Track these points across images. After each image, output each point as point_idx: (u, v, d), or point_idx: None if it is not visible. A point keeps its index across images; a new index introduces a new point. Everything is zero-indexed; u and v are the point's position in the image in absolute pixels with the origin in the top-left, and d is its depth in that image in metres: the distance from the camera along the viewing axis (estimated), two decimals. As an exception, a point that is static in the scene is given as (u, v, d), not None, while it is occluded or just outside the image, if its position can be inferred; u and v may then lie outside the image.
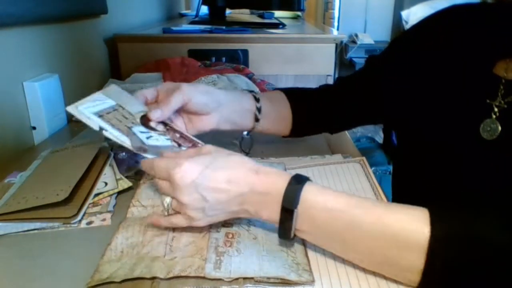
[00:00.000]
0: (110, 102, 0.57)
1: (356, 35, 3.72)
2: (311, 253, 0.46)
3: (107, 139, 0.69)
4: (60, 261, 0.45)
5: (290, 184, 0.43)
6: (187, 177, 0.43)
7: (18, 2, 0.76)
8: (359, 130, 2.63)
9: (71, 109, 0.52)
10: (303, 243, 0.47)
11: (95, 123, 0.51)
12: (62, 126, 0.90)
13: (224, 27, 1.40)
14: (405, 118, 0.62)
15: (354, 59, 3.58)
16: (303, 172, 0.64)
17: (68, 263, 0.45)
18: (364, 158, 0.68)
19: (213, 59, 1.23)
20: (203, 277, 0.41)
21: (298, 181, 0.43)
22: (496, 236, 0.38)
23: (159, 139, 0.54)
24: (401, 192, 0.68)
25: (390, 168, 1.58)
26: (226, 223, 0.49)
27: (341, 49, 3.71)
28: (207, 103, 0.60)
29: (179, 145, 0.56)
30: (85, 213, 0.53)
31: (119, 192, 0.58)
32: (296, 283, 0.41)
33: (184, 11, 2.33)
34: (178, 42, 1.24)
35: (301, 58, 1.26)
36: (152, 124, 0.56)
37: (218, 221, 0.47)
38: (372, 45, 3.62)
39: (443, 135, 0.56)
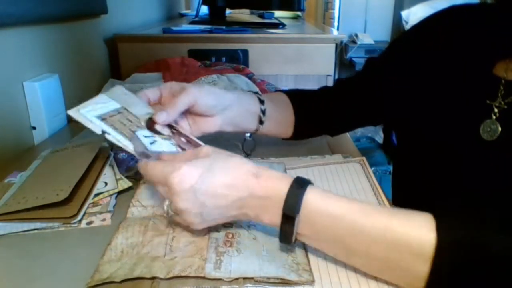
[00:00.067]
0: (115, 105, 0.55)
1: (356, 35, 3.72)
2: (311, 253, 0.46)
3: (108, 141, 0.69)
4: (60, 261, 0.45)
5: (291, 188, 0.42)
6: (185, 182, 0.42)
7: (18, 2, 0.76)
8: (359, 130, 2.63)
9: (72, 112, 0.50)
10: (303, 243, 0.47)
11: (97, 126, 0.50)
12: (62, 126, 0.90)
13: (224, 27, 1.40)
14: (405, 118, 0.62)
15: (354, 59, 3.58)
16: (303, 172, 0.65)
17: (68, 263, 0.45)
18: (364, 158, 0.68)
19: (213, 59, 1.23)
20: (203, 277, 0.41)
21: (299, 185, 0.42)
22: (502, 242, 0.37)
23: (163, 144, 0.52)
24: (401, 192, 0.68)
25: (390, 168, 1.58)
26: (226, 223, 0.49)
27: (341, 49, 3.71)
28: (214, 105, 0.58)
29: (184, 150, 0.54)
30: (85, 213, 0.53)
31: (119, 192, 0.58)
32: (296, 283, 0.41)
33: (184, 11, 2.33)
34: (178, 42, 1.24)
35: (301, 58, 1.26)
36: (158, 127, 0.54)
37: (216, 224, 0.47)
38: (372, 45, 3.62)
39: (443, 136, 0.56)
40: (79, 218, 0.52)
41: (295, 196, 0.41)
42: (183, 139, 0.55)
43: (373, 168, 0.89)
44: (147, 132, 0.53)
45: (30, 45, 0.82)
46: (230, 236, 0.48)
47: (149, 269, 0.42)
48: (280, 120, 0.68)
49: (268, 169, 0.45)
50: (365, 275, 0.43)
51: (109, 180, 0.60)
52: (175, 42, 1.25)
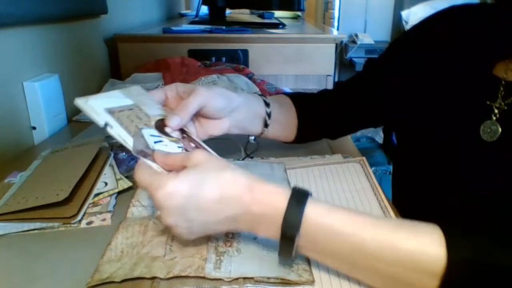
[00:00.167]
0: (127, 101, 0.52)
1: (356, 35, 3.72)
2: (311, 253, 0.45)
3: (108, 138, 0.68)
4: (60, 261, 0.45)
5: (290, 204, 0.40)
6: (172, 200, 0.40)
7: (18, 2, 0.75)
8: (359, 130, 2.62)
9: (80, 101, 0.48)
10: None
11: (101, 118, 0.47)
12: (62, 126, 0.90)
13: (224, 27, 1.40)
14: (405, 118, 0.62)
15: (354, 59, 3.58)
16: (303, 172, 0.65)
17: (68, 263, 0.45)
18: (364, 158, 0.68)
19: (213, 59, 1.23)
20: (203, 277, 0.41)
21: (298, 200, 0.40)
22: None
23: (168, 146, 0.49)
24: (401, 192, 0.68)
25: (390, 168, 1.58)
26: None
27: (341, 49, 3.71)
28: (223, 107, 0.56)
29: None
30: (85, 213, 0.53)
31: (119, 192, 0.58)
32: (296, 283, 0.41)
33: (184, 11, 2.33)
34: (178, 42, 1.24)
35: (301, 58, 1.26)
36: (168, 129, 0.51)
37: (207, 235, 0.46)
38: (372, 45, 3.62)
39: (443, 136, 0.56)
40: (79, 218, 0.52)
41: (294, 213, 0.39)
42: (192, 145, 0.52)
43: (373, 168, 0.89)
44: (154, 132, 0.50)
45: (30, 45, 0.82)
46: (230, 236, 0.48)
47: (149, 269, 0.42)
48: (284, 123, 0.67)
49: (264, 182, 0.42)
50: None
51: (109, 180, 0.60)
52: (175, 42, 1.25)
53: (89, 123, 0.89)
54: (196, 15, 1.77)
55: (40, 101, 0.81)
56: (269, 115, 0.63)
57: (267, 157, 0.71)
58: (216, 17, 1.70)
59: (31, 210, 0.51)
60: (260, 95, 0.65)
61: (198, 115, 0.56)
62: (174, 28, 1.34)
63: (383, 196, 0.57)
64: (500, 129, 0.51)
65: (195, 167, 0.42)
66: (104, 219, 0.53)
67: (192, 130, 0.56)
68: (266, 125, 0.63)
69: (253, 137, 0.67)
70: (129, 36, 1.26)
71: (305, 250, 0.41)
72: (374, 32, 3.79)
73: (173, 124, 0.51)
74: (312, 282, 0.41)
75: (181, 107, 0.52)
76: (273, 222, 0.40)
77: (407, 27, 3.38)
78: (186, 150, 0.50)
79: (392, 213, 0.52)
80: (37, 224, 0.51)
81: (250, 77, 1.09)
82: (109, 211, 0.54)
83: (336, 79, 3.63)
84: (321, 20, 3.90)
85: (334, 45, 1.27)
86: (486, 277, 0.37)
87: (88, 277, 0.41)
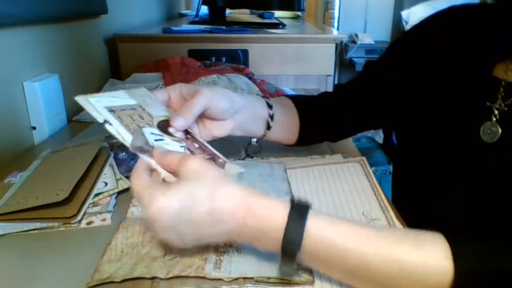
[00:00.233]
0: (131, 101, 0.52)
1: (356, 35, 3.72)
2: (311, 253, 0.45)
3: (108, 138, 0.68)
4: (60, 261, 0.45)
5: (290, 220, 0.38)
6: (163, 215, 0.39)
7: (18, 2, 0.76)
8: (359, 130, 2.62)
9: (80, 99, 0.47)
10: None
11: (101, 115, 0.46)
12: (62, 126, 0.90)
13: (224, 27, 1.40)
14: (405, 119, 0.62)
15: (354, 59, 3.58)
16: (303, 172, 0.65)
17: (68, 263, 0.45)
18: (364, 158, 0.68)
19: (213, 59, 1.23)
20: (203, 277, 0.41)
21: (298, 214, 0.39)
22: None
23: (170, 145, 0.48)
24: (401, 192, 0.68)
25: (390, 168, 1.58)
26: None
27: (341, 49, 3.71)
28: (227, 109, 0.56)
29: (191, 153, 0.49)
30: (85, 213, 0.53)
31: (119, 192, 0.58)
32: (296, 283, 0.41)
33: (184, 11, 2.33)
34: (178, 42, 1.24)
35: (301, 58, 1.26)
36: (171, 130, 0.51)
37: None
38: (372, 45, 3.62)
39: (443, 137, 0.56)
40: (79, 218, 0.52)
41: (295, 229, 0.38)
42: (196, 145, 0.52)
43: (373, 168, 0.89)
44: (156, 131, 0.50)
45: (30, 45, 0.82)
46: (230, 236, 0.48)
47: (149, 269, 0.42)
48: (287, 125, 0.67)
49: (261, 196, 0.40)
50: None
51: (109, 180, 0.60)
52: (175, 42, 1.25)
53: (89, 123, 0.89)
54: (196, 15, 1.77)
55: (40, 101, 0.81)
56: (271, 117, 0.62)
57: (267, 157, 0.71)
58: (216, 17, 1.70)
59: (31, 210, 0.51)
60: (262, 97, 0.65)
61: (201, 116, 0.56)
62: (174, 28, 1.34)
63: (383, 196, 0.57)
64: (500, 130, 0.50)
65: (187, 180, 0.40)
66: (104, 219, 0.53)
67: (195, 131, 0.55)
68: (268, 127, 0.63)
69: (255, 139, 0.67)
70: (129, 36, 1.26)
71: (307, 262, 0.40)
72: (374, 32, 3.79)
73: (178, 125, 0.50)
74: (312, 282, 0.41)
75: (185, 108, 0.52)
76: (273, 237, 0.39)
77: (407, 27, 3.38)
78: (189, 150, 0.49)
79: (392, 213, 0.52)
80: (37, 224, 0.51)
81: (250, 77, 1.09)
82: (109, 211, 0.54)
83: (336, 79, 3.63)
84: (321, 20, 3.90)
85: (334, 45, 1.27)
86: (493, 286, 0.37)
87: (88, 277, 0.41)
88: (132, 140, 0.46)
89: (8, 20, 0.74)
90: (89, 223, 0.52)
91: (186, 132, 0.53)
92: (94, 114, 0.46)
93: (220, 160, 0.50)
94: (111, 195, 0.57)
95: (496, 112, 0.51)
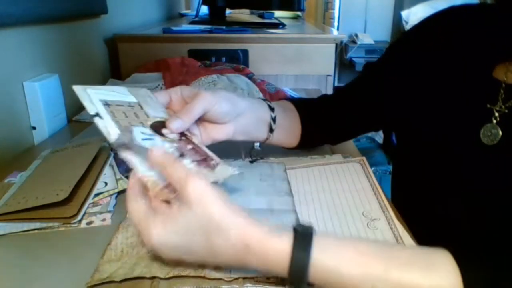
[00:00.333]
0: (130, 98, 0.51)
1: (356, 35, 3.72)
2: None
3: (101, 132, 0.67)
4: (60, 261, 0.45)
5: (294, 251, 0.37)
6: (160, 248, 0.39)
7: (18, 2, 0.76)
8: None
9: (77, 88, 0.46)
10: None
11: (93, 107, 0.45)
12: (62, 126, 0.90)
13: (224, 27, 1.40)
14: (405, 119, 0.62)
15: (354, 59, 3.58)
16: (303, 172, 0.65)
17: (68, 263, 0.45)
18: (364, 158, 0.68)
19: (213, 59, 1.23)
20: (203, 277, 0.41)
21: (303, 244, 0.37)
22: None
23: (158, 145, 0.47)
24: (401, 192, 0.68)
25: (390, 168, 1.58)
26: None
27: (341, 49, 3.71)
28: (228, 112, 0.55)
29: (182, 155, 0.48)
30: (85, 213, 0.53)
31: (119, 192, 0.58)
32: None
33: (184, 11, 2.33)
34: (178, 42, 1.24)
35: (301, 58, 1.26)
36: (165, 131, 0.49)
37: None
38: (372, 45, 3.62)
39: (443, 138, 0.56)
40: (79, 218, 0.52)
41: (300, 261, 0.37)
42: (190, 146, 0.50)
43: (373, 168, 0.89)
44: (147, 131, 0.48)
45: (30, 45, 0.82)
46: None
47: (149, 269, 0.42)
48: (289, 129, 0.66)
49: (262, 233, 0.38)
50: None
51: (109, 180, 0.60)
52: (175, 42, 1.25)
53: (89, 123, 0.89)
54: (196, 15, 1.77)
55: (40, 101, 0.81)
56: (274, 120, 0.62)
57: (267, 157, 0.70)
58: (216, 17, 1.70)
59: (31, 210, 0.51)
60: (263, 100, 0.64)
61: (202, 119, 0.55)
62: (174, 28, 1.34)
63: (383, 196, 0.57)
64: (500, 133, 0.50)
65: (187, 210, 0.38)
66: (104, 219, 0.53)
67: (196, 133, 0.54)
68: (271, 130, 0.62)
69: (258, 144, 0.66)
70: (129, 36, 1.26)
71: (316, 283, 0.39)
72: (374, 32, 3.79)
73: (174, 126, 0.49)
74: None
75: (184, 110, 0.51)
76: (278, 268, 0.38)
77: (407, 27, 3.38)
78: (181, 152, 0.48)
79: (392, 213, 0.52)
80: (37, 224, 0.51)
81: (250, 77, 1.09)
82: (109, 211, 0.54)
83: (336, 79, 3.63)
84: (321, 20, 3.90)
85: (334, 45, 1.27)
86: None
87: (88, 277, 0.41)
88: (118, 136, 0.44)
89: (8, 20, 0.74)
90: (89, 223, 0.52)
91: (181, 134, 0.51)
92: (87, 104, 0.45)
93: (213, 161, 0.49)
94: (111, 195, 0.57)
95: (496, 114, 0.51)
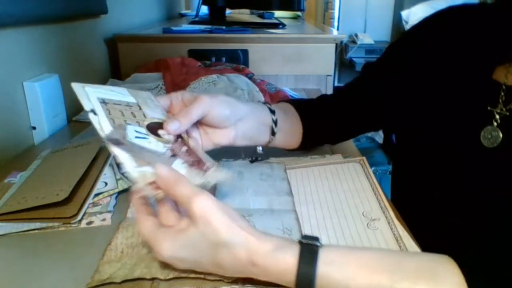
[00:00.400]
0: (129, 99, 0.50)
1: (356, 35, 3.72)
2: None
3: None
4: (60, 261, 0.45)
5: (300, 265, 0.37)
6: (170, 262, 0.40)
7: (18, 2, 0.75)
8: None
9: (76, 85, 0.46)
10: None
11: (89, 104, 0.45)
12: (62, 126, 0.90)
13: (224, 27, 1.40)
14: (405, 120, 0.61)
15: (354, 59, 3.58)
16: (303, 172, 0.65)
17: (68, 263, 0.45)
18: (364, 158, 0.68)
19: (213, 59, 1.23)
20: (203, 278, 0.41)
21: (308, 257, 0.37)
22: None
23: (152, 144, 0.47)
24: (401, 192, 0.68)
25: (390, 168, 1.58)
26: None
27: (341, 49, 3.71)
28: (228, 116, 0.54)
29: (174, 156, 0.47)
30: (85, 213, 0.53)
31: (119, 192, 0.58)
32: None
33: (184, 11, 2.33)
34: (178, 42, 1.24)
35: (301, 58, 1.26)
36: (161, 132, 0.49)
37: None
38: (372, 45, 3.62)
39: (443, 139, 0.55)
40: (79, 218, 0.52)
41: (306, 276, 0.37)
42: (184, 149, 0.50)
43: (373, 168, 0.89)
44: (142, 130, 0.48)
45: (30, 45, 0.82)
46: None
47: (149, 270, 0.42)
48: (290, 130, 0.66)
49: (268, 241, 0.39)
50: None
51: (109, 180, 0.60)
52: (175, 42, 1.25)
53: (89, 123, 0.88)
54: (196, 15, 1.77)
55: (40, 101, 0.81)
56: (275, 122, 0.61)
57: (266, 157, 0.70)
58: (216, 17, 1.70)
59: (31, 210, 0.51)
60: (264, 103, 0.64)
61: (202, 123, 0.55)
62: (174, 28, 1.34)
63: (383, 195, 0.57)
64: (501, 135, 0.50)
65: (192, 230, 0.39)
66: (104, 219, 0.53)
67: (195, 137, 0.54)
68: (273, 133, 0.62)
69: (260, 148, 0.65)
70: (129, 36, 1.26)
71: None
72: (374, 32, 3.80)
73: (172, 128, 0.49)
74: (312, 282, 0.41)
75: (183, 113, 0.51)
76: (284, 281, 0.38)
77: (407, 27, 3.38)
78: (173, 152, 0.48)
79: (392, 213, 0.52)
80: (37, 224, 0.51)
81: (250, 77, 1.09)
82: (109, 211, 0.54)
83: (336, 79, 3.63)
84: (321, 20, 3.90)
85: (334, 45, 1.27)
86: None
87: (88, 277, 0.41)
88: (111, 132, 0.44)
89: (8, 20, 0.74)
90: (89, 223, 0.52)
91: (178, 136, 0.51)
92: (84, 101, 0.45)
93: (206, 166, 0.48)
94: (111, 195, 0.57)
95: (497, 116, 0.51)
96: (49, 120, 0.84)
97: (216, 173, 0.47)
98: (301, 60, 1.26)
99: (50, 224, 0.51)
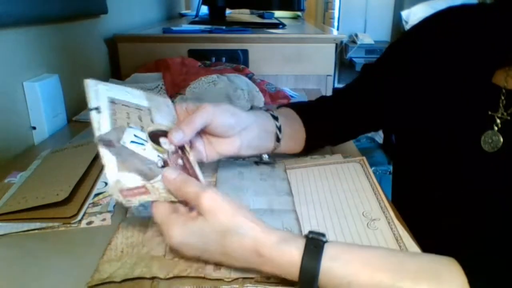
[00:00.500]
0: (142, 102, 0.50)
1: (356, 35, 3.72)
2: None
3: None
4: (60, 261, 0.45)
5: (305, 258, 0.38)
6: (178, 248, 0.42)
7: (18, 2, 0.76)
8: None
9: (90, 82, 0.46)
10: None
11: (95, 101, 0.44)
12: (62, 126, 0.90)
13: (224, 27, 1.40)
14: (405, 121, 0.61)
15: (354, 59, 3.58)
16: (303, 172, 0.65)
17: (68, 263, 0.45)
18: (364, 158, 0.68)
19: (213, 59, 1.23)
20: (203, 277, 0.41)
21: (313, 252, 0.38)
22: None
23: (147, 150, 0.46)
24: (401, 192, 0.68)
25: (390, 168, 1.58)
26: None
27: (341, 49, 3.71)
28: (232, 125, 0.54)
29: (164, 166, 0.46)
30: (85, 213, 0.53)
31: (119, 192, 0.58)
32: (296, 283, 0.41)
33: (184, 11, 2.33)
34: (178, 42, 1.24)
35: (301, 58, 1.26)
36: (162, 140, 0.48)
37: None
38: (372, 45, 3.62)
39: (443, 140, 0.55)
40: (79, 218, 0.52)
41: (310, 270, 0.37)
42: (180, 162, 0.48)
43: (373, 168, 0.89)
44: (142, 135, 0.47)
45: (30, 45, 0.82)
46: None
47: (149, 269, 0.42)
48: (294, 135, 0.66)
49: (274, 233, 0.40)
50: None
51: (109, 180, 0.60)
52: (175, 42, 1.25)
53: (89, 123, 0.88)
54: (196, 15, 1.77)
55: (40, 101, 0.81)
56: (279, 129, 0.61)
57: (274, 161, 0.70)
58: (216, 17, 1.70)
59: (31, 210, 0.51)
60: (266, 110, 0.63)
61: (206, 133, 0.54)
62: (174, 28, 1.34)
63: (383, 195, 0.57)
64: (502, 140, 0.50)
65: (201, 221, 0.41)
66: (104, 219, 0.53)
67: (200, 147, 0.54)
68: (278, 139, 0.61)
69: (266, 156, 0.65)
70: (129, 36, 1.26)
71: None
72: (374, 32, 3.80)
73: (176, 139, 0.48)
74: None
75: (186, 122, 0.50)
76: (289, 274, 0.39)
77: (407, 27, 3.38)
78: (165, 163, 0.47)
79: (392, 213, 0.52)
80: (37, 224, 0.51)
81: (250, 77, 1.09)
82: (109, 211, 0.54)
83: (336, 79, 3.63)
84: (321, 20, 3.90)
85: (334, 45, 1.27)
86: None
87: (88, 277, 0.41)
88: (105, 134, 0.43)
89: (8, 20, 0.74)
90: (89, 223, 0.52)
91: (180, 148, 0.50)
92: (92, 99, 0.45)
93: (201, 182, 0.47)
94: (111, 195, 0.57)
95: (498, 121, 0.50)
96: (49, 120, 0.84)
97: None
98: (301, 60, 1.26)
99: (50, 224, 0.51)
